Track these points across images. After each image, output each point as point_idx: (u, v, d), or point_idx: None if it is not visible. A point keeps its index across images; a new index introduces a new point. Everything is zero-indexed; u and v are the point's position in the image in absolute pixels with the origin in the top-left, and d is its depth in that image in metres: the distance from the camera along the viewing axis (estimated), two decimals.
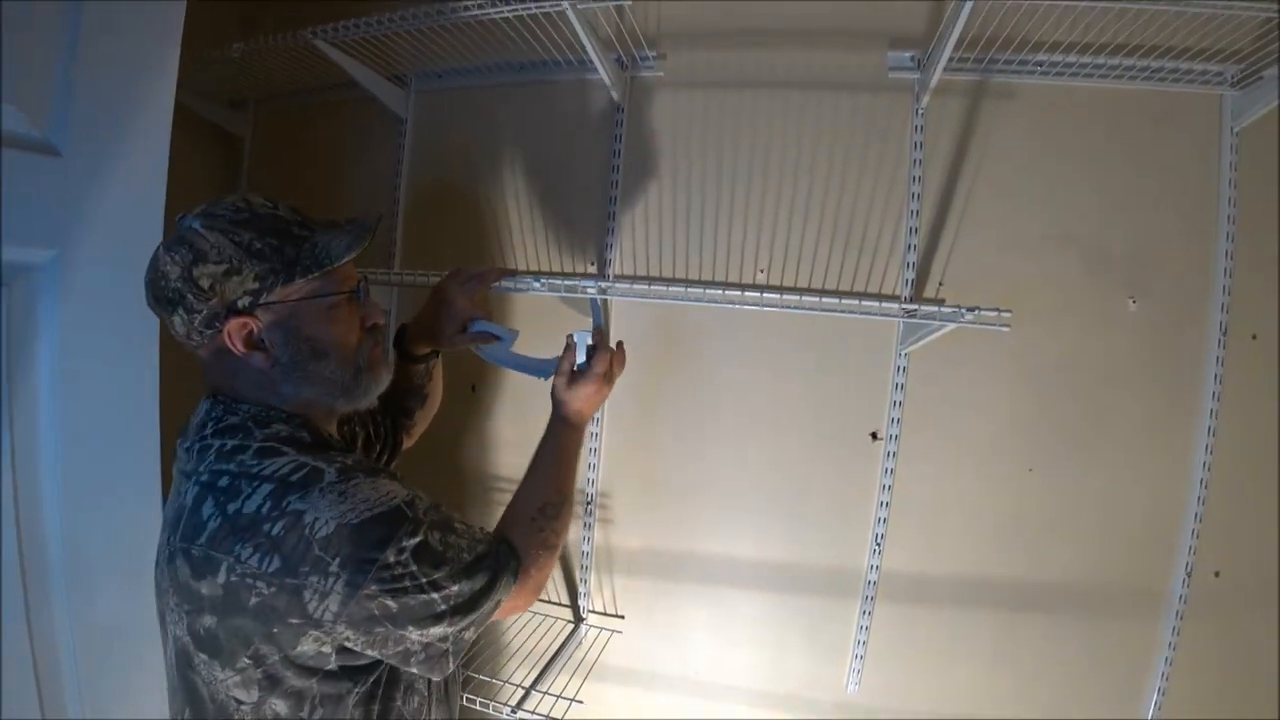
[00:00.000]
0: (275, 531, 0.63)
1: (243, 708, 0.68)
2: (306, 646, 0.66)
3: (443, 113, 1.46)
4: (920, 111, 1.18)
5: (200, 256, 0.67)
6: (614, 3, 1.03)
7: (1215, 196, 1.13)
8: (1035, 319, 1.17)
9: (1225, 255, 1.13)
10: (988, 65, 1.15)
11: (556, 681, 1.19)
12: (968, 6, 0.95)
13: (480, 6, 1.08)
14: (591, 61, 1.17)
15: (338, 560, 0.63)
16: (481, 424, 1.45)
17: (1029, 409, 1.19)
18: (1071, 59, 1.13)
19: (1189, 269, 1.14)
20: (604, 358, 0.94)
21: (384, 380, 0.83)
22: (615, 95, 1.29)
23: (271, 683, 0.67)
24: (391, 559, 0.65)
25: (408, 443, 1.11)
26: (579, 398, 0.92)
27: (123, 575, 0.87)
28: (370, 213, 0.79)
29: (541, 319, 1.37)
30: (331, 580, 0.63)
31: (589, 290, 1.14)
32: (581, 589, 1.36)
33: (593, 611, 1.37)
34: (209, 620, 0.66)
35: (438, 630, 0.69)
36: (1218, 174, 1.13)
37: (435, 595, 0.68)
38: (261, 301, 0.69)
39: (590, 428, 1.34)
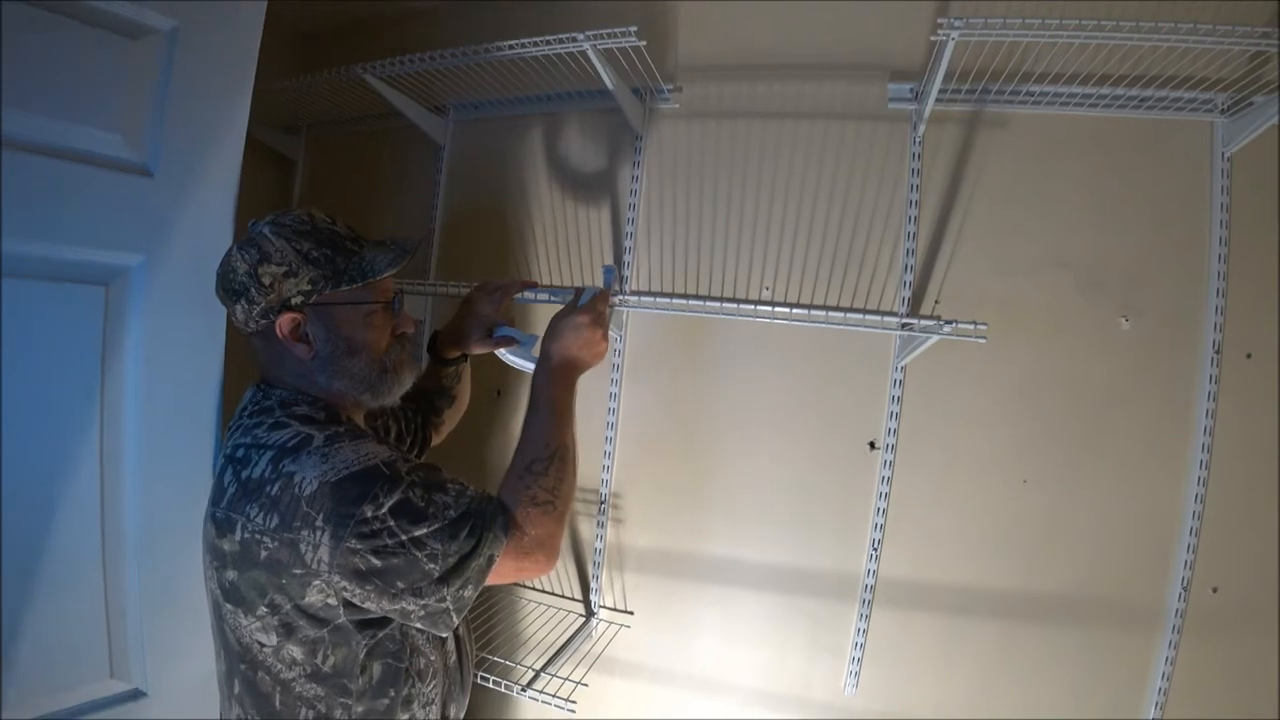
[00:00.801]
0: (274, 491, 0.76)
1: (265, 650, 0.80)
2: (314, 597, 0.77)
3: (477, 140, 1.64)
4: (918, 140, 1.29)
5: (265, 257, 0.81)
6: (629, 43, 1.17)
7: (1207, 219, 1.20)
8: (1030, 337, 1.25)
9: (1218, 276, 1.19)
10: (980, 96, 1.26)
11: (565, 668, 1.29)
12: (950, 45, 1.06)
13: (511, 47, 1.24)
14: (611, 94, 1.31)
15: (322, 515, 0.74)
16: (506, 426, 1.59)
17: (1024, 423, 1.26)
18: (1062, 89, 1.22)
19: (1182, 289, 1.21)
20: (602, 298, 1.05)
21: (406, 382, 0.95)
22: (634, 125, 1.43)
23: (287, 630, 0.79)
24: (369, 514, 0.74)
25: (436, 439, 1.24)
26: (572, 326, 1.00)
27: (184, 541, 1.01)
28: (412, 238, 0.93)
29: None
30: (319, 533, 0.74)
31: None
32: (593, 584, 1.47)
33: (603, 606, 1.48)
34: (231, 574, 0.79)
35: (430, 591, 0.77)
36: (1209, 197, 1.20)
37: (420, 554, 0.76)
38: (310, 301, 0.84)
39: (604, 430, 1.46)
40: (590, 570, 1.48)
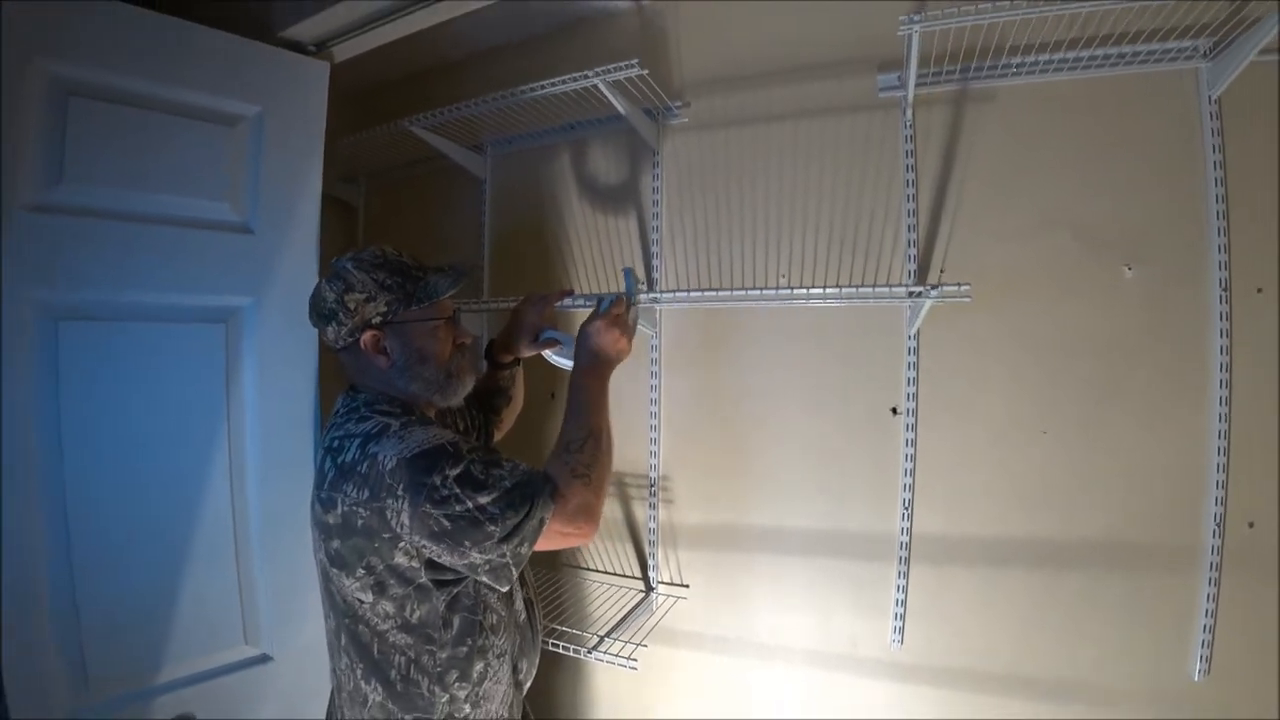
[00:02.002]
0: (363, 470, 0.97)
1: (364, 606, 1.01)
2: (400, 559, 0.97)
3: (514, 171, 1.90)
4: (908, 123, 1.43)
5: (349, 287, 1.05)
6: (634, 73, 1.38)
7: (1201, 162, 1.27)
8: (1034, 294, 1.37)
9: (1217, 216, 1.26)
10: (964, 75, 1.39)
11: (627, 634, 1.49)
12: (915, 37, 1.22)
13: (533, 89, 1.49)
14: (626, 118, 1.53)
15: (401, 485, 0.94)
16: (559, 425, 1.80)
17: (1037, 377, 1.37)
18: (1043, 57, 1.34)
19: (1182, 233, 1.28)
20: (618, 303, 1.23)
21: (469, 384, 1.17)
22: (650, 142, 1.65)
23: (380, 587, 0.99)
24: (438, 482, 0.94)
25: (498, 435, 1.47)
26: (594, 331, 1.19)
27: (295, 527, 1.28)
28: (467, 261, 1.17)
29: None
30: (400, 501, 0.94)
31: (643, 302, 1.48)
32: (650, 562, 1.67)
33: (662, 582, 1.67)
34: (335, 543, 1.00)
35: (493, 547, 0.95)
36: (1200, 141, 1.27)
37: (482, 518, 0.94)
38: (387, 320, 1.07)
39: (648, 420, 1.67)
40: (646, 549, 1.68)
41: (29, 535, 1.07)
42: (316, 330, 1.11)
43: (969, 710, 1.42)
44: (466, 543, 0.95)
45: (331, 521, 1.00)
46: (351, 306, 1.05)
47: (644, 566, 1.69)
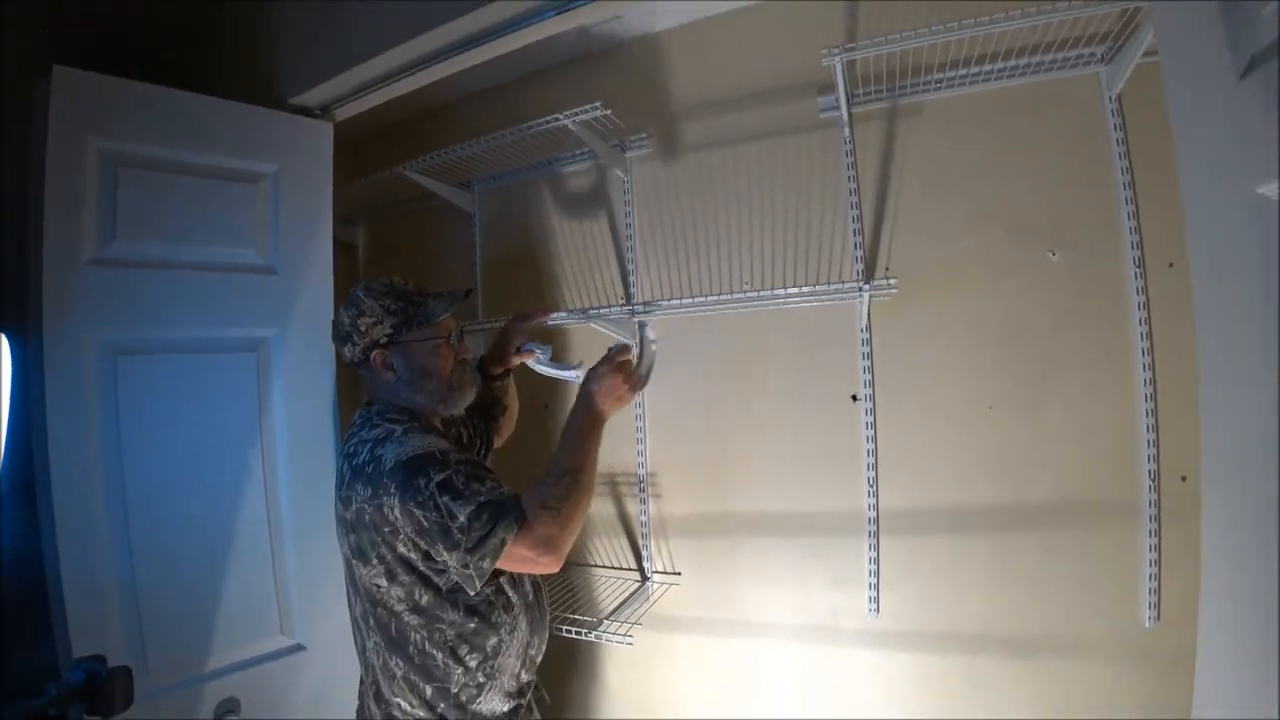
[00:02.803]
0: (369, 470, 1.13)
1: (380, 590, 1.17)
2: (401, 550, 1.13)
3: (500, 204, 2.15)
4: (847, 139, 1.63)
5: (360, 313, 1.25)
6: (598, 114, 1.61)
7: (1109, 152, 1.46)
8: (971, 283, 1.55)
9: (1126, 200, 1.45)
10: (890, 92, 1.60)
11: (624, 617, 1.66)
12: (839, 65, 1.43)
13: (511, 132, 1.72)
14: (596, 152, 1.76)
15: (394, 484, 1.09)
16: (553, 434, 2.00)
17: (980, 359, 1.54)
18: (962, 72, 1.53)
19: (1098, 217, 1.46)
20: (623, 350, 1.35)
21: (469, 396, 1.35)
22: (619, 171, 1.87)
23: (391, 575, 1.15)
24: (422, 484, 1.09)
25: (498, 442, 1.66)
26: (596, 375, 1.30)
27: (321, 527, 1.48)
28: (463, 288, 1.35)
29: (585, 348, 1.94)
30: (393, 498, 1.09)
31: (618, 314, 1.69)
32: (644, 553, 1.85)
33: (656, 571, 1.84)
34: (353, 537, 1.16)
35: (458, 556, 1.08)
36: (1106, 134, 1.46)
37: (452, 525, 1.07)
38: (392, 340, 1.25)
39: (635, 422, 1.86)
40: (640, 541, 1.86)
41: (96, 543, 1.28)
42: (336, 351, 1.30)
43: (944, 670, 1.56)
44: (440, 545, 1.10)
45: (349, 517, 1.17)
46: (362, 329, 1.25)
47: (638, 558, 1.87)
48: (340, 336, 1.28)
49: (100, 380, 1.29)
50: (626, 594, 1.77)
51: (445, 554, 1.10)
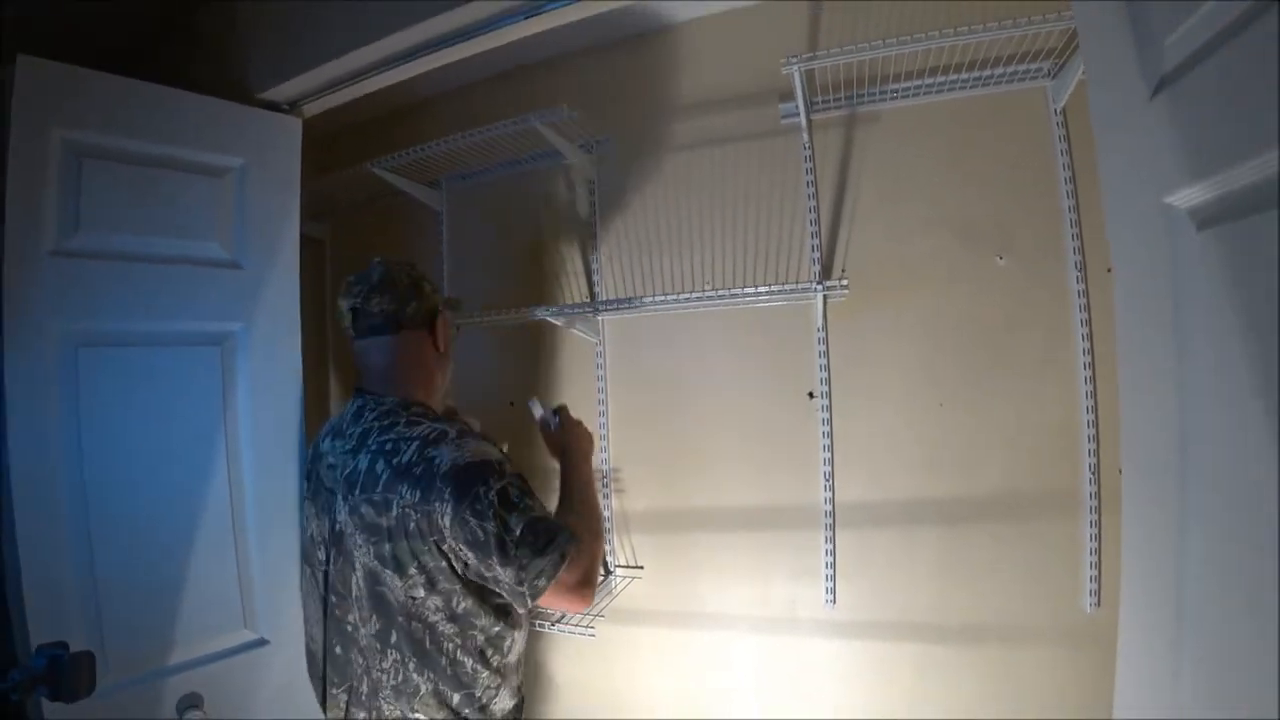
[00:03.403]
0: (419, 471, 1.09)
1: (416, 602, 1.12)
2: (448, 558, 1.09)
3: (468, 203, 2.18)
4: (807, 144, 1.70)
5: (422, 277, 1.34)
6: (566, 117, 1.65)
7: (1054, 162, 1.55)
8: (923, 285, 1.63)
9: (1068, 209, 1.54)
10: (849, 100, 1.67)
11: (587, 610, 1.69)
12: (798, 75, 1.49)
13: (480, 132, 1.75)
14: (563, 153, 1.80)
15: (449, 490, 1.06)
16: (517, 430, 2.01)
17: (931, 357, 1.62)
18: (917, 83, 1.62)
19: (1043, 224, 1.55)
20: (562, 413, 1.51)
21: None
22: (586, 171, 1.92)
23: (431, 584, 1.11)
24: (481, 492, 1.06)
25: None
26: (568, 440, 1.45)
27: (284, 520, 1.50)
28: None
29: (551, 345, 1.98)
30: (447, 504, 1.05)
31: (583, 312, 1.73)
32: (608, 547, 1.88)
33: (619, 565, 1.89)
34: (388, 546, 1.10)
35: (511, 572, 1.06)
36: (1052, 145, 1.55)
37: (508, 539, 1.06)
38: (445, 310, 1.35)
39: (597, 418, 1.91)
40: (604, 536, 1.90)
41: (55, 534, 1.28)
42: (351, 319, 1.30)
43: (899, 658, 1.64)
44: (494, 559, 1.07)
45: (385, 524, 1.11)
46: (426, 290, 1.32)
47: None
48: (400, 293, 1.28)
49: (61, 371, 1.29)
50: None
51: (498, 569, 1.08)
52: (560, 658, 2.02)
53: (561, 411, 1.52)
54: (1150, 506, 0.79)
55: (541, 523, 1.11)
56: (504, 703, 1.24)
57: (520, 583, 1.08)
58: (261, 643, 1.51)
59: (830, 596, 1.67)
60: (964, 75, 1.58)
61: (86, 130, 1.34)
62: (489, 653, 1.19)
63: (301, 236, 1.65)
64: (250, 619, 1.50)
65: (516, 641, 1.25)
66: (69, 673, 0.93)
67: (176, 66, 1.65)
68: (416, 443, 1.14)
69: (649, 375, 1.90)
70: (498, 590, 1.12)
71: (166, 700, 1.39)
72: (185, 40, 1.75)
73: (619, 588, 1.83)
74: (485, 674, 1.19)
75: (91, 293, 1.33)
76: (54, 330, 1.29)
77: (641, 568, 1.88)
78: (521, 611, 1.19)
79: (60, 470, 1.29)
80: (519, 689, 1.31)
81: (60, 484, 1.29)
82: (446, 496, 1.06)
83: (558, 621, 1.63)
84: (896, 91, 1.65)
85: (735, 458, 1.79)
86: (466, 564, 1.10)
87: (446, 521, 1.06)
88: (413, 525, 1.08)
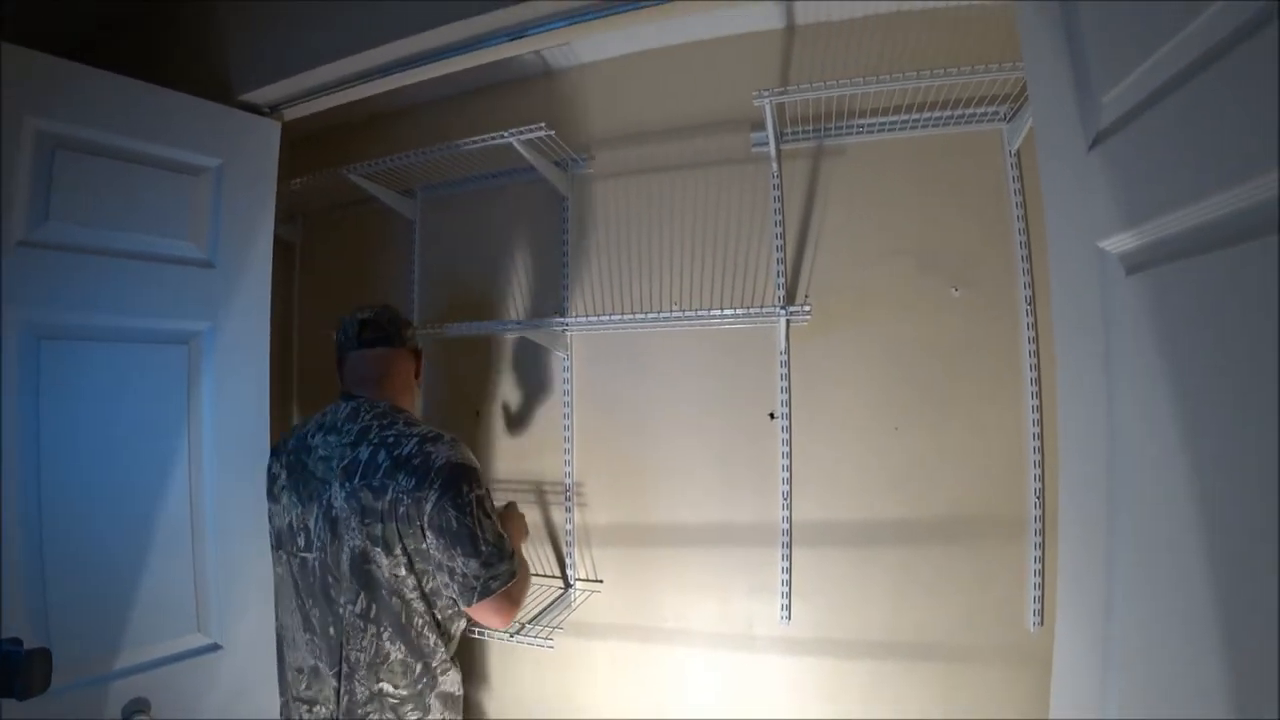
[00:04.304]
0: (417, 463, 1.26)
1: (398, 580, 1.29)
2: (425, 541, 1.26)
3: (442, 213, 2.20)
4: (775, 173, 1.77)
5: (408, 322, 1.52)
6: (542, 134, 1.69)
7: (1008, 201, 1.65)
8: (883, 313, 1.70)
9: (1019, 245, 1.63)
10: (816, 133, 1.75)
11: (545, 621, 1.72)
12: (769, 107, 1.56)
13: (457, 145, 1.78)
14: (538, 170, 1.84)
15: (440, 482, 1.24)
16: (482, 441, 2.08)
17: (888, 382, 1.69)
18: (883, 119, 1.71)
19: (996, 259, 1.65)
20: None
21: None
22: (560, 189, 1.96)
23: (410, 564, 1.28)
24: (465, 490, 1.26)
25: None
26: (515, 525, 1.62)
27: (245, 525, 1.50)
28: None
29: (520, 357, 2.01)
30: (433, 493, 1.24)
31: (551, 327, 1.77)
32: (568, 561, 1.92)
33: (579, 579, 1.91)
34: (379, 527, 1.26)
35: (475, 565, 1.24)
36: (1006, 184, 1.65)
37: (480, 534, 1.25)
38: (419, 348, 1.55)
39: (562, 432, 1.95)
40: (564, 549, 1.93)
41: (4, 529, 1.26)
42: (359, 329, 1.48)
43: (851, 674, 1.69)
44: (459, 550, 1.25)
45: (380, 507, 1.27)
46: (407, 334, 1.52)
47: (562, 565, 1.94)
48: (396, 329, 1.49)
49: (22, 362, 1.28)
50: (549, 600, 1.83)
51: (461, 559, 1.25)
52: (518, 669, 2.03)
53: (511, 505, 1.72)
54: (1082, 527, 0.85)
55: (504, 539, 1.31)
56: (453, 678, 1.40)
57: (478, 578, 1.25)
58: (214, 648, 1.49)
59: (786, 614, 1.72)
60: (926, 114, 1.66)
61: (63, 122, 1.34)
62: (450, 627, 1.38)
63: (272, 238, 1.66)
64: (204, 623, 1.49)
65: (460, 625, 1.43)
66: (24, 669, 0.92)
67: (156, 60, 1.64)
68: (416, 439, 1.31)
69: (614, 391, 1.94)
70: (450, 581, 1.28)
71: (113, 703, 1.37)
72: (165, 34, 1.75)
73: (578, 601, 1.85)
74: (441, 649, 1.36)
75: (58, 285, 1.33)
76: (17, 320, 1.28)
77: (601, 581, 1.90)
78: (463, 607, 1.31)
79: (14, 463, 1.27)
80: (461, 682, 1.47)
81: (13, 477, 1.27)
82: (436, 486, 1.24)
83: (517, 633, 1.64)
84: (863, 126, 1.74)
85: (696, 475, 1.84)
86: (432, 550, 1.26)
87: (429, 508, 1.24)
88: (402, 510, 1.25)
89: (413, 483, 1.24)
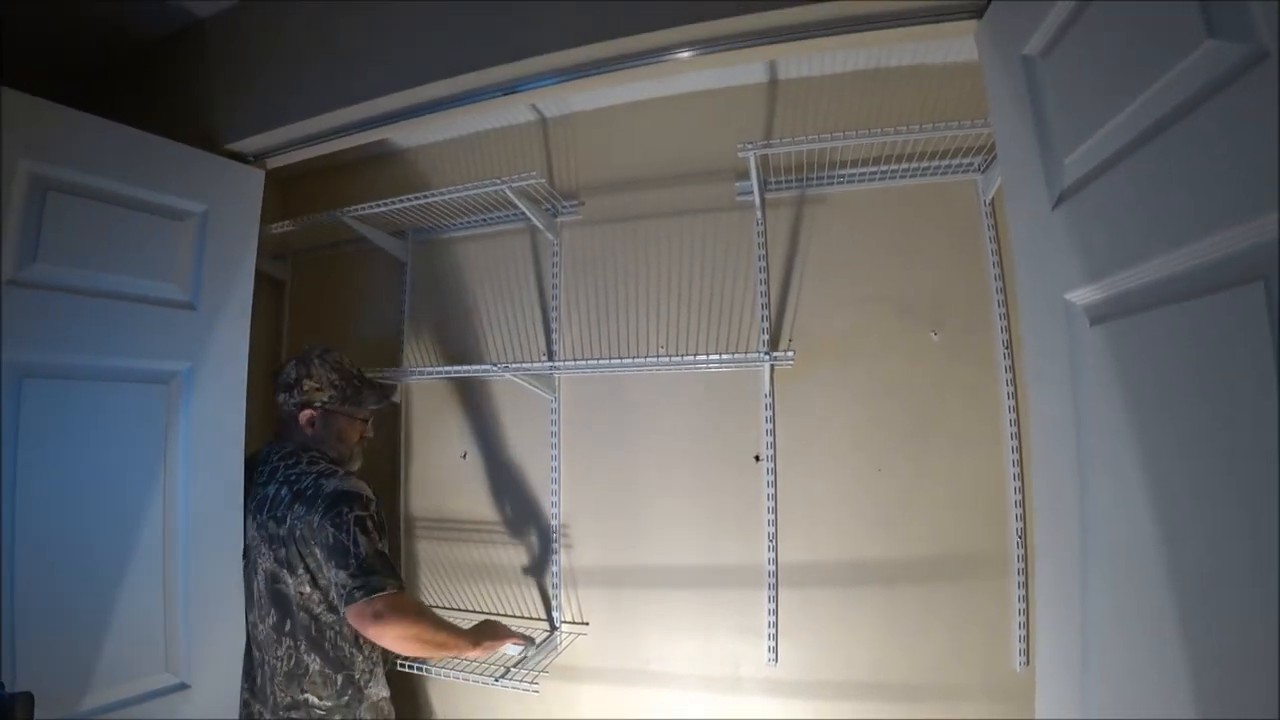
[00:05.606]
0: (309, 494, 1.46)
1: (304, 596, 1.47)
2: (315, 561, 1.42)
3: (433, 255, 2.24)
4: (760, 221, 1.83)
5: (309, 375, 1.57)
6: (534, 181, 1.75)
7: (984, 248, 1.72)
8: (864, 357, 1.75)
9: (995, 290, 1.69)
10: (799, 183, 1.82)
11: (532, 666, 1.71)
12: (753, 159, 1.62)
13: (449, 191, 1.83)
14: (529, 215, 1.89)
15: (323, 504, 1.43)
16: (470, 482, 2.09)
17: (870, 425, 1.74)
18: (863, 170, 1.78)
19: (973, 303, 1.71)
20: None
21: (356, 466, 1.69)
22: (550, 234, 2.01)
23: (313, 581, 1.46)
24: (344, 511, 1.43)
25: None
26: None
27: (219, 563, 1.50)
28: (392, 389, 1.61)
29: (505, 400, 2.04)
30: (317, 515, 1.42)
31: (539, 370, 1.80)
32: (554, 603, 1.92)
33: (564, 621, 1.91)
34: (283, 550, 1.46)
35: (343, 575, 1.38)
36: (982, 232, 1.72)
37: (351, 549, 1.39)
38: (324, 407, 1.57)
39: (550, 474, 1.97)
40: (550, 591, 1.93)
41: None
42: (274, 392, 1.65)
43: (839, 716, 1.69)
44: (333, 562, 1.41)
45: (282, 533, 1.47)
46: (305, 388, 1.62)
47: (548, 608, 1.94)
48: (283, 385, 1.63)
49: (3, 400, 1.28)
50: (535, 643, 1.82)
51: (334, 570, 1.40)
52: (503, 712, 2.00)
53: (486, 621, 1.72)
54: (1057, 563, 0.88)
55: (381, 557, 1.43)
56: (378, 688, 1.58)
57: (345, 586, 1.38)
58: (181, 686, 1.48)
59: (773, 655, 1.73)
60: (905, 166, 1.74)
61: (56, 164, 1.37)
62: (360, 639, 1.52)
63: (261, 275, 1.69)
64: (172, 662, 1.48)
65: None
66: (6, 713, 0.91)
67: (143, 108, 1.69)
68: (313, 476, 1.50)
69: (602, 433, 1.96)
70: (330, 588, 1.43)
71: None
72: (153, 84, 1.80)
73: (564, 644, 1.85)
74: (360, 658, 1.53)
75: (43, 325, 1.34)
76: (1, 359, 1.29)
77: (587, 624, 1.90)
78: (343, 612, 1.42)
79: None
80: (390, 679, 1.64)
81: None
82: (319, 507, 1.43)
83: (502, 676, 1.63)
84: (844, 177, 1.81)
85: (683, 516, 1.86)
86: (319, 565, 1.43)
87: (314, 527, 1.42)
88: (299, 533, 1.44)
89: (304, 510, 1.44)
